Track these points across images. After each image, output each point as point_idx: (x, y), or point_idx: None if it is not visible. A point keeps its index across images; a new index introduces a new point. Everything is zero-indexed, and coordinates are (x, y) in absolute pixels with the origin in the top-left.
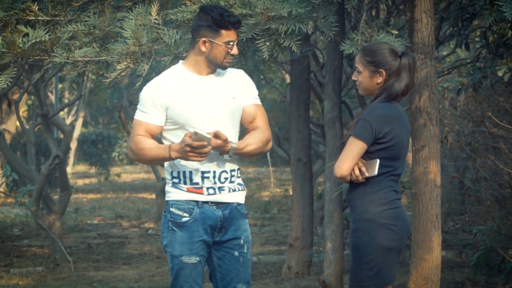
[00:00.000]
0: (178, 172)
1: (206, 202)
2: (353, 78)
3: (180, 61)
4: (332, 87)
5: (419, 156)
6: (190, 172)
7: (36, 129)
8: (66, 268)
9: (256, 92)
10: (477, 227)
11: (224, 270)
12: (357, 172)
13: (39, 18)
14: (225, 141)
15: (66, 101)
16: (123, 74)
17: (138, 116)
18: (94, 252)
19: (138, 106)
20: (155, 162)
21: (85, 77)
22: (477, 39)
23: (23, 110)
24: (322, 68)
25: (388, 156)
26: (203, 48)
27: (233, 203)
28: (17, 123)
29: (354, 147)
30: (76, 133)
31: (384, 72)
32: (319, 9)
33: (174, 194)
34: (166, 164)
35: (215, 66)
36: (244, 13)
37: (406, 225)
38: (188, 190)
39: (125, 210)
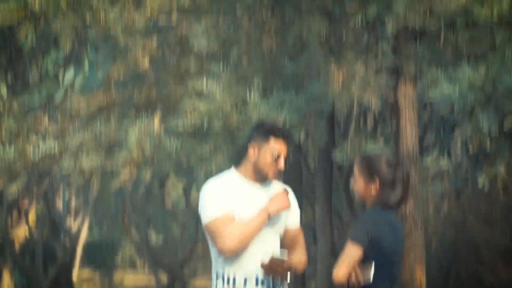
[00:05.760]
0: (223, 274)
1: None
2: (350, 184)
3: (233, 167)
4: (323, 192)
5: (405, 260)
6: (234, 279)
7: (44, 235)
8: None
9: (299, 212)
10: None
11: None
12: (353, 279)
13: (49, 128)
14: (290, 267)
15: (72, 207)
16: (126, 180)
17: (216, 213)
18: None
19: (210, 207)
20: (256, 233)
21: (91, 184)
22: (458, 148)
23: (32, 217)
24: (313, 175)
25: (382, 262)
26: (252, 154)
27: None
28: (26, 230)
29: (351, 252)
30: (82, 238)
31: (378, 182)
32: (310, 119)
33: None
34: (213, 263)
35: (261, 175)
36: (241, 121)
37: None
38: None
39: None
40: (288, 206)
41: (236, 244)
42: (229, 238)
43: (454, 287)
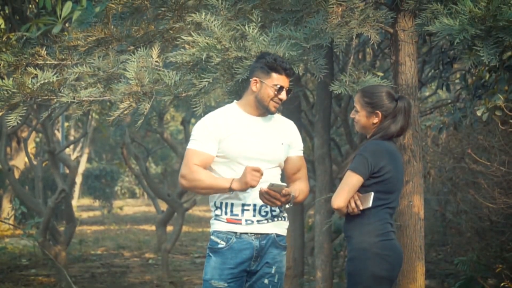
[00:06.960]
0: (221, 203)
1: (245, 233)
2: (351, 116)
3: (235, 101)
4: (322, 125)
5: (403, 191)
6: (232, 204)
7: (43, 165)
8: None
9: (302, 145)
10: (458, 257)
11: None
12: (353, 204)
13: (47, 62)
14: (289, 194)
15: (71, 138)
16: (125, 112)
17: (193, 145)
18: (98, 281)
19: (192, 138)
20: (209, 191)
21: (90, 116)
22: (457, 81)
23: (31, 147)
24: (312, 108)
25: (383, 190)
26: (254, 88)
27: (271, 234)
28: (26, 159)
29: (351, 181)
30: (81, 169)
31: (380, 114)
32: (309, 53)
33: (215, 225)
34: (211, 195)
35: (262, 107)
36: (239, 56)
37: (399, 256)
38: (228, 221)
39: (127, 241)
40: (250, 186)
41: (185, 184)
42: (186, 174)
43: (452, 216)
